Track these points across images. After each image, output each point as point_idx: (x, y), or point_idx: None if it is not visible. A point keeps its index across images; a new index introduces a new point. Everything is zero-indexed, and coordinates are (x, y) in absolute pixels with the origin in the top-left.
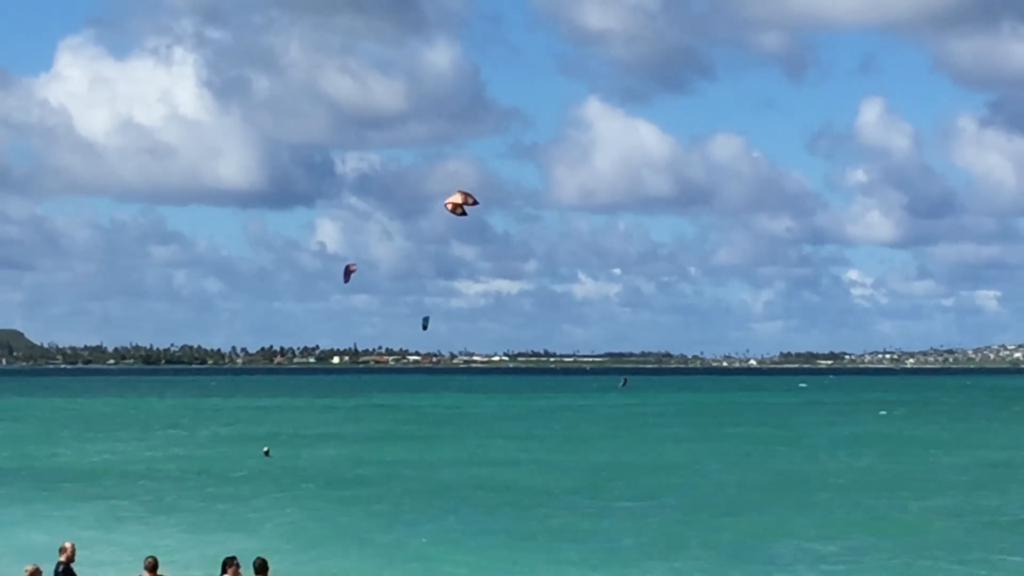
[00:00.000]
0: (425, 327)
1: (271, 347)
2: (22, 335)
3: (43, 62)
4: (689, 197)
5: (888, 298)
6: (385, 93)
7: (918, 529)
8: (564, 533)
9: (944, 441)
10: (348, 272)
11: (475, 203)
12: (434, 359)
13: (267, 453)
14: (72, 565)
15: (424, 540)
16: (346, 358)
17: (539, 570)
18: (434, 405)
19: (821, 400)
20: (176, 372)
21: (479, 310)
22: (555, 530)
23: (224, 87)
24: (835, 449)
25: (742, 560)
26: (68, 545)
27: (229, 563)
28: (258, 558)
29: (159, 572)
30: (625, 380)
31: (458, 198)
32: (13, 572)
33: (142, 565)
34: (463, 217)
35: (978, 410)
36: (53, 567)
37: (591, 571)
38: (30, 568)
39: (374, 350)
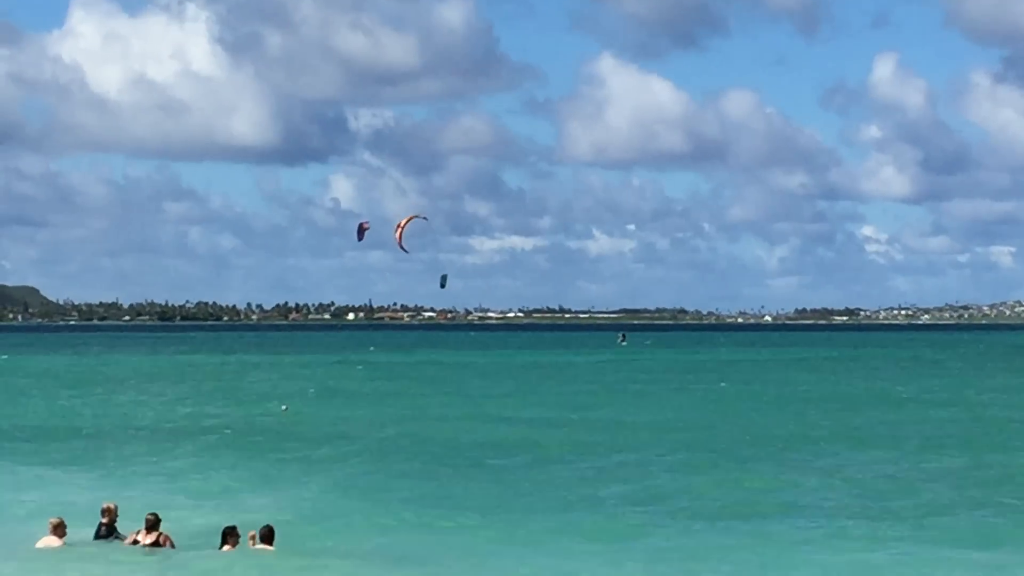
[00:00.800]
0: (443, 285)
1: (286, 303)
2: (37, 291)
3: (55, 18)
4: (703, 153)
5: (903, 254)
6: (398, 49)
7: (919, 483)
8: (567, 492)
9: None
10: (362, 230)
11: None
12: (449, 315)
13: (285, 410)
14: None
15: (431, 500)
16: (361, 314)
17: (538, 529)
18: (451, 361)
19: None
20: (192, 328)
21: (494, 266)
22: (559, 488)
23: (237, 43)
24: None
25: (740, 517)
26: (111, 505)
27: (229, 533)
28: (265, 526)
29: (161, 530)
30: (623, 336)
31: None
32: (31, 530)
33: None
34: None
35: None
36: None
37: (579, 528)
38: (54, 520)
39: (389, 306)
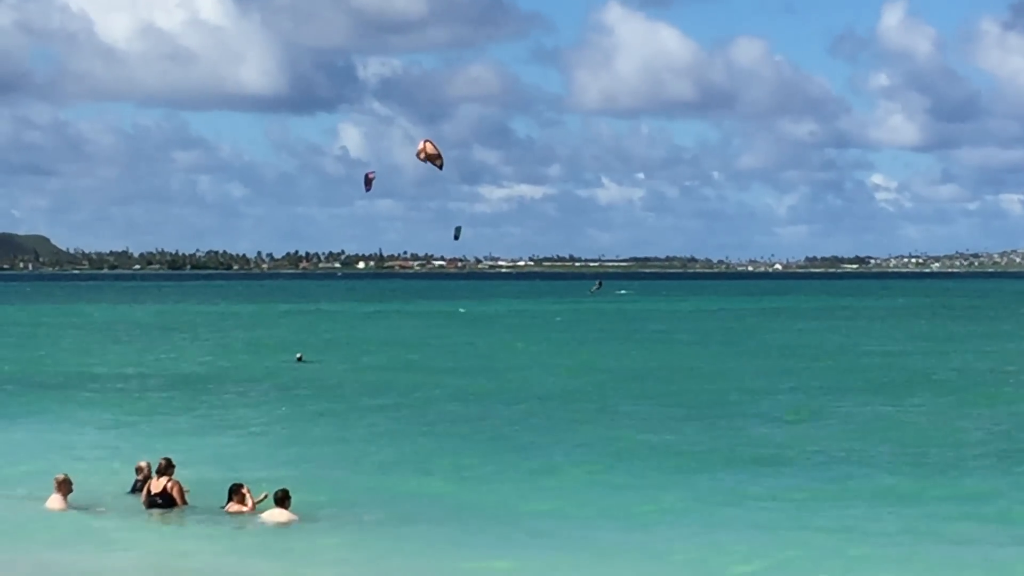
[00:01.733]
0: (457, 237)
1: (296, 252)
2: (48, 240)
3: None
4: (711, 101)
5: (912, 202)
6: None
7: (930, 429)
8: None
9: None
10: (368, 180)
11: (440, 164)
12: (459, 264)
13: (300, 359)
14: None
15: (443, 449)
16: (371, 263)
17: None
18: (463, 311)
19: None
20: (202, 277)
21: (503, 215)
22: (569, 436)
23: None
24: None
25: (751, 464)
26: (144, 464)
27: (235, 491)
28: (280, 489)
29: (174, 476)
30: (599, 283)
31: (430, 148)
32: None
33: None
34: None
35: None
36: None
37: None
38: (59, 476)
39: (399, 255)
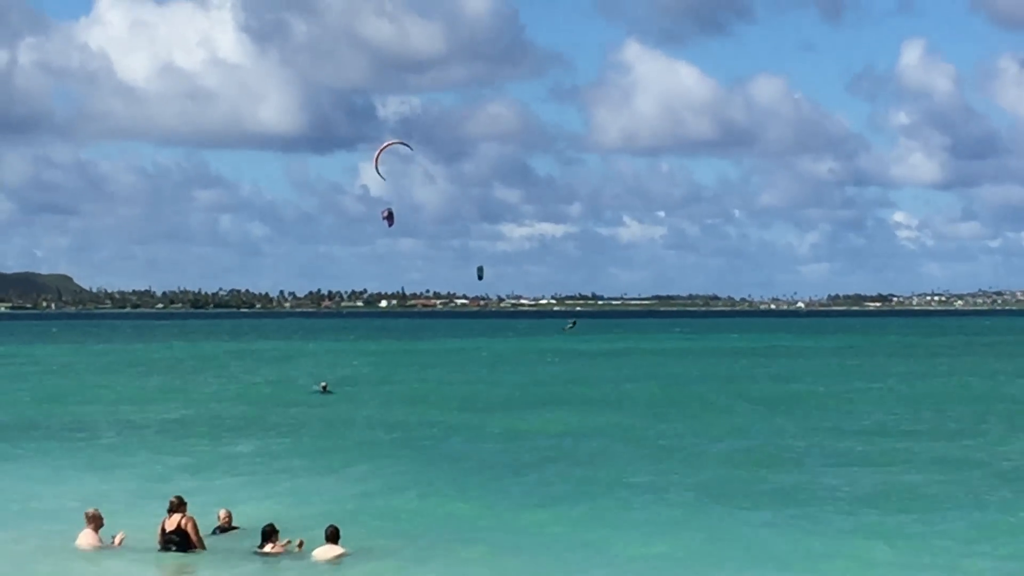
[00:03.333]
0: (480, 277)
1: (319, 291)
2: (71, 280)
3: (83, 6)
4: (731, 139)
5: (934, 240)
6: (424, 36)
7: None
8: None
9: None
10: (390, 215)
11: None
12: (482, 302)
13: (325, 389)
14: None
15: (468, 492)
16: (394, 302)
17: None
18: (486, 349)
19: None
20: (225, 316)
21: (524, 253)
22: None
23: (263, 31)
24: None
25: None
26: (223, 513)
27: (271, 533)
28: (330, 525)
29: (186, 512)
30: (574, 323)
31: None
32: (66, 518)
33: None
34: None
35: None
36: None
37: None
38: (90, 511)
39: (421, 293)
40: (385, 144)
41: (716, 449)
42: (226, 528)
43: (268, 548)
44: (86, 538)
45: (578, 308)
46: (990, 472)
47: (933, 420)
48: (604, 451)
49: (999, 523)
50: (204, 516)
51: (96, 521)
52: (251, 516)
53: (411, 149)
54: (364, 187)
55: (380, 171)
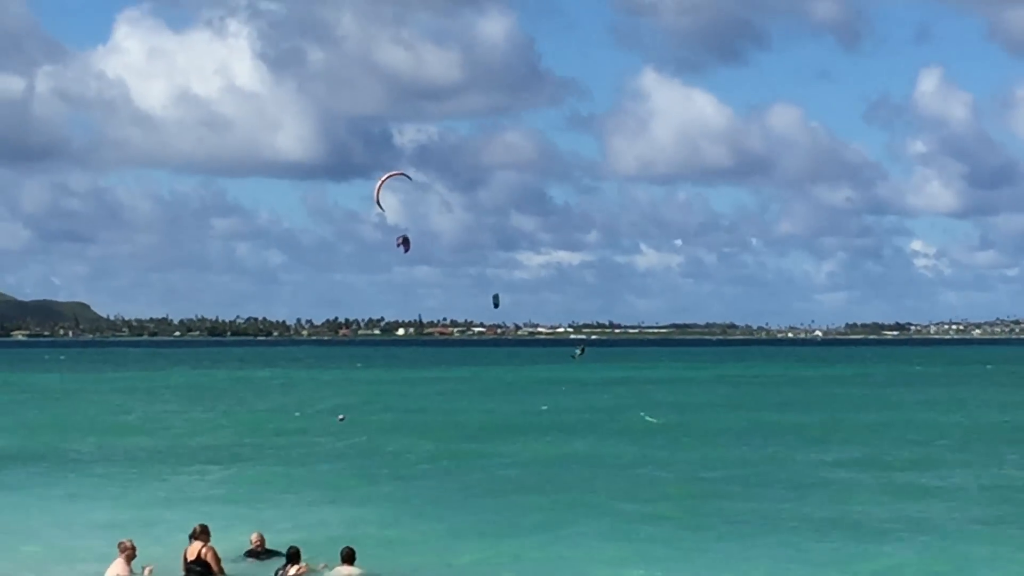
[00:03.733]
0: (496, 305)
1: (336, 319)
2: (88, 307)
3: (100, 35)
4: (748, 167)
5: (951, 268)
6: (440, 64)
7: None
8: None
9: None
10: (406, 241)
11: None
12: (499, 330)
13: (342, 420)
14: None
15: (487, 519)
16: (411, 330)
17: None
18: (507, 376)
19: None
20: (243, 344)
21: (541, 281)
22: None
23: (279, 59)
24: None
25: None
26: (255, 537)
27: (294, 556)
28: (346, 547)
29: (208, 541)
30: (582, 350)
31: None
32: (97, 547)
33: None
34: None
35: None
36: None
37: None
38: (125, 542)
39: (439, 321)
40: (384, 177)
41: (709, 476)
42: (258, 552)
43: (292, 571)
44: (117, 568)
45: (594, 336)
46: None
47: (943, 450)
48: (616, 477)
49: (1004, 554)
50: (224, 541)
51: (129, 552)
52: (272, 541)
53: (410, 179)
54: (380, 215)
55: (380, 204)
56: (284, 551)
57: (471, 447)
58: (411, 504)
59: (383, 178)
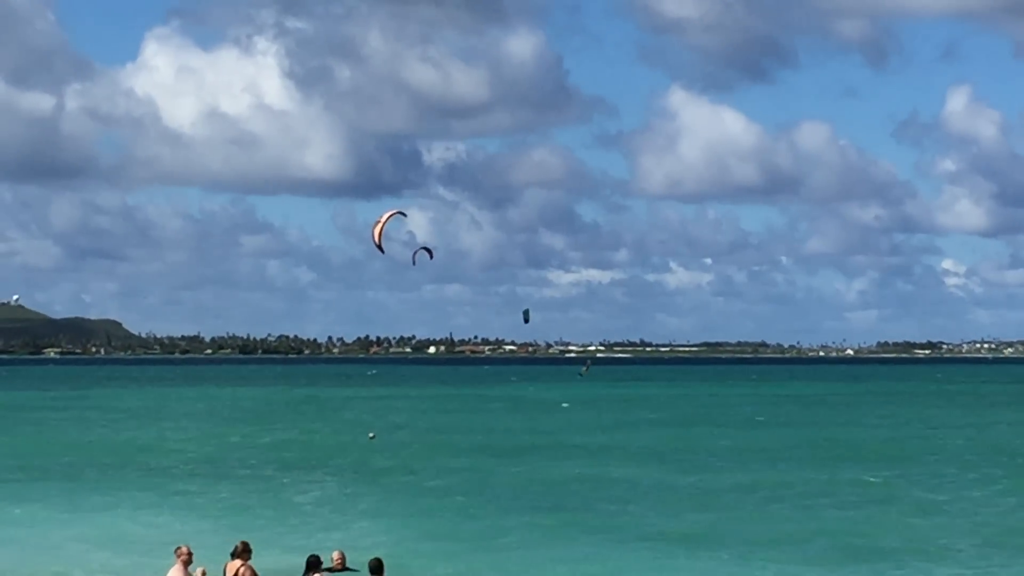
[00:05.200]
0: (527, 320)
1: (367, 336)
2: (120, 325)
3: (129, 52)
4: (777, 186)
5: (982, 287)
6: (468, 82)
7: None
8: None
9: None
10: (426, 252)
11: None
12: (530, 348)
13: (373, 438)
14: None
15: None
16: (442, 348)
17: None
18: (542, 396)
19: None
20: (274, 361)
21: (571, 299)
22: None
23: (307, 77)
24: None
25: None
26: (336, 555)
27: (314, 564)
28: (374, 558)
29: (248, 560)
30: (587, 367)
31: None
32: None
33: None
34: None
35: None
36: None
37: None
38: (183, 548)
39: (470, 339)
40: (384, 219)
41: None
42: (338, 570)
43: None
44: (174, 573)
45: (623, 355)
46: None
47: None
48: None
49: None
50: (257, 557)
51: (186, 557)
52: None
53: (404, 216)
54: (410, 233)
55: (382, 246)
56: (366, 564)
57: (500, 464)
58: (442, 518)
59: (382, 220)
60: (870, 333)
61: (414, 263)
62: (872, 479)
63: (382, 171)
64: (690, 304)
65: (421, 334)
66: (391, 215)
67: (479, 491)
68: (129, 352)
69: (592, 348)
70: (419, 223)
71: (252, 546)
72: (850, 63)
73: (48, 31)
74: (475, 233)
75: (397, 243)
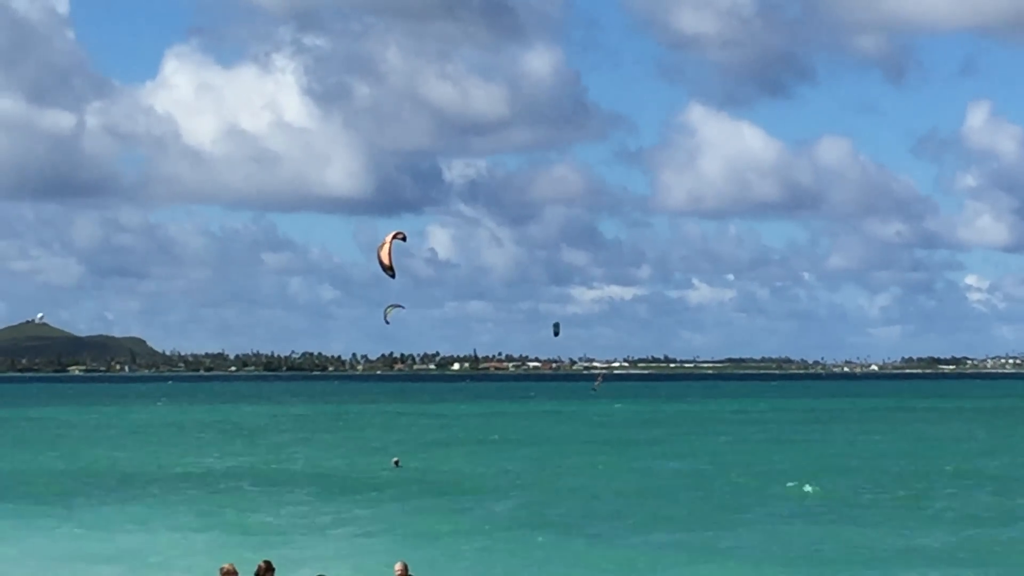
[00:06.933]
0: (557, 333)
1: (391, 354)
2: (144, 342)
3: (149, 70)
4: (797, 202)
5: (1005, 303)
6: (487, 99)
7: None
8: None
9: None
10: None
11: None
12: (554, 365)
13: (397, 464)
14: None
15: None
16: (466, 364)
17: None
18: (559, 412)
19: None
20: (298, 379)
21: (594, 316)
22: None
23: (326, 94)
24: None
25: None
26: (399, 566)
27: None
28: (400, 562)
29: None
30: (600, 379)
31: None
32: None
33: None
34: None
35: None
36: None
37: None
38: (226, 567)
39: (493, 356)
40: (389, 239)
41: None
42: None
43: None
44: None
45: (645, 371)
46: None
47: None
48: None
49: None
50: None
51: None
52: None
53: (404, 240)
54: (431, 250)
55: (393, 268)
56: None
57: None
58: (462, 538)
59: (387, 242)
60: (893, 349)
61: (387, 322)
62: None
63: (402, 188)
64: (713, 320)
65: (445, 351)
66: (393, 237)
67: (497, 508)
68: (154, 369)
69: (616, 364)
70: (440, 240)
71: (275, 565)
72: (869, 79)
73: (68, 50)
74: (496, 250)
75: (419, 260)
